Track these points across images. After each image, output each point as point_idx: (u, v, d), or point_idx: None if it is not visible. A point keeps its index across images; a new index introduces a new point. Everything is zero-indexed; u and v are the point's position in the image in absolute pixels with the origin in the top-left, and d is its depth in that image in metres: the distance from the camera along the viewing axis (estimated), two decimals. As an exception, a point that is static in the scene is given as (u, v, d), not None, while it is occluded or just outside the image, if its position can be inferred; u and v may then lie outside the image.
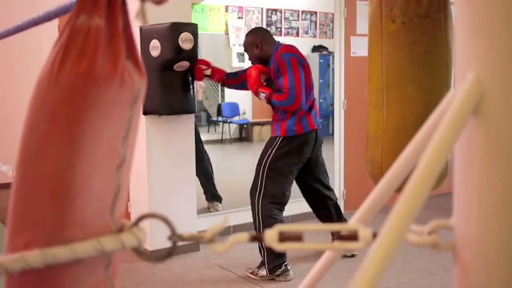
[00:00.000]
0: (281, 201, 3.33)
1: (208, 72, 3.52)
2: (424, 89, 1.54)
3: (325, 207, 3.62)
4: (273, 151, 3.28)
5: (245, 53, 3.54)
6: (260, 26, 7.38)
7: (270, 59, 3.32)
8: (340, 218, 3.66)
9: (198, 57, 3.54)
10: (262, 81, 3.31)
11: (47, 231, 0.70)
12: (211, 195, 4.54)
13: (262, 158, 3.33)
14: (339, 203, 4.79)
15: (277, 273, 3.27)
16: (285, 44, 3.42)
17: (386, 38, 1.54)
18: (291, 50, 3.30)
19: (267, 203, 3.27)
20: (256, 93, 3.32)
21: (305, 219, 4.24)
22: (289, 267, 3.30)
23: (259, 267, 3.34)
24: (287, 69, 3.19)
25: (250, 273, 3.36)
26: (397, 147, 1.60)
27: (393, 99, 1.58)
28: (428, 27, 1.51)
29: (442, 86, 1.56)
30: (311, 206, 3.69)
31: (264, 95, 3.25)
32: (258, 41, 3.36)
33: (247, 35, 3.52)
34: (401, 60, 1.54)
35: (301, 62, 3.25)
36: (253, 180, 3.36)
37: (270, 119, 3.53)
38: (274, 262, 3.26)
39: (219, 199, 4.55)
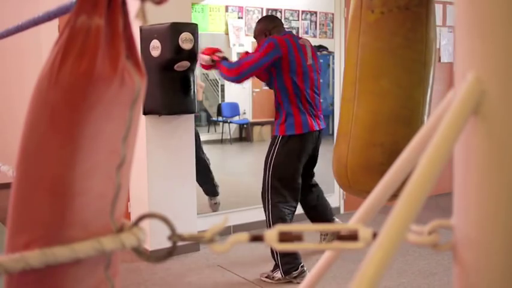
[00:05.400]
0: (291, 199, 3.29)
1: (222, 55, 3.36)
2: (398, 83, 1.49)
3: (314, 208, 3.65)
4: (276, 150, 3.26)
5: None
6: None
7: None
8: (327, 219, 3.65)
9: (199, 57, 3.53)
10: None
11: (46, 231, 0.70)
12: (212, 192, 4.53)
13: (266, 158, 3.31)
14: (339, 203, 4.82)
15: (294, 274, 3.21)
16: (291, 33, 3.35)
17: (364, 28, 1.49)
18: (280, 38, 3.20)
19: (277, 203, 3.24)
20: (203, 53, 3.31)
21: (305, 219, 4.23)
22: (305, 269, 3.24)
23: (273, 270, 3.29)
24: (260, 47, 3.18)
25: (266, 277, 3.30)
26: (367, 144, 1.54)
27: (365, 92, 1.52)
28: (407, 20, 1.46)
29: (417, 83, 1.51)
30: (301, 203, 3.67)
31: (222, 55, 3.25)
32: (269, 29, 3.32)
33: (259, 21, 3.46)
34: (378, 52, 1.49)
35: (276, 53, 3.14)
36: (262, 183, 3.33)
37: (270, 119, 3.54)
38: (289, 264, 3.20)
39: (217, 194, 4.55)
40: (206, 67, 3.41)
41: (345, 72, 1.60)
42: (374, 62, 1.50)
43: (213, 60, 3.32)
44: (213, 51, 3.32)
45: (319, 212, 3.68)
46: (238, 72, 3.14)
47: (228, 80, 3.31)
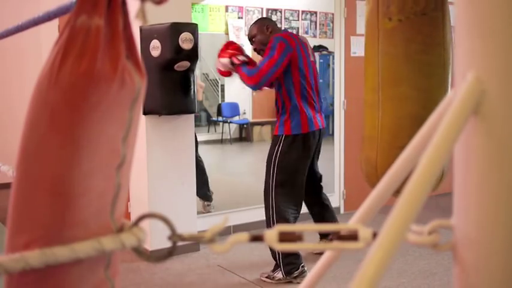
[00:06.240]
0: (295, 200, 3.27)
1: (243, 58, 3.29)
2: (419, 88, 1.53)
3: (320, 205, 3.64)
4: (279, 149, 3.23)
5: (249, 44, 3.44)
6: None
7: None
8: (332, 217, 3.64)
9: (199, 57, 3.51)
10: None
11: (46, 231, 0.70)
12: (204, 196, 4.51)
13: (270, 158, 3.27)
14: (339, 203, 4.82)
15: (295, 275, 3.21)
16: (289, 31, 3.37)
17: (382, 36, 1.53)
18: (285, 35, 3.20)
19: (281, 204, 3.22)
20: (221, 56, 3.26)
21: (305, 219, 4.23)
22: (305, 269, 3.24)
23: (274, 270, 3.28)
24: (270, 49, 3.12)
25: (266, 277, 3.29)
26: (392, 147, 1.59)
27: (388, 98, 1.56)
28: (425, 26, 1.49)
29: (438, 86, 1.54)
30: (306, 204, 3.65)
31: (243, 58, 3.21)
32: (269, 25, 3.33)
33: (254, 22, 3.43)
34: (397, 59, 1.52)
35: (288, 51, 3.13)
36: (265, 183, 3.30)
37: (270, 119, 3.53)
38: (291, 264, 3.20)
39: (210, 199, 4.52)
40: (224, 73, 3.33)
41: (366, 79, 1.66)
42: (394, 69, 1.55)
43: (232, 63, 3.24)
44: (233, 53, 3.24)
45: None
46: (258, 79, 3.12)
47: (249, 87, 3.28)
